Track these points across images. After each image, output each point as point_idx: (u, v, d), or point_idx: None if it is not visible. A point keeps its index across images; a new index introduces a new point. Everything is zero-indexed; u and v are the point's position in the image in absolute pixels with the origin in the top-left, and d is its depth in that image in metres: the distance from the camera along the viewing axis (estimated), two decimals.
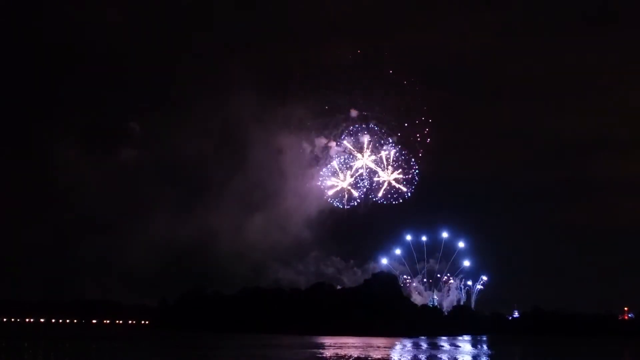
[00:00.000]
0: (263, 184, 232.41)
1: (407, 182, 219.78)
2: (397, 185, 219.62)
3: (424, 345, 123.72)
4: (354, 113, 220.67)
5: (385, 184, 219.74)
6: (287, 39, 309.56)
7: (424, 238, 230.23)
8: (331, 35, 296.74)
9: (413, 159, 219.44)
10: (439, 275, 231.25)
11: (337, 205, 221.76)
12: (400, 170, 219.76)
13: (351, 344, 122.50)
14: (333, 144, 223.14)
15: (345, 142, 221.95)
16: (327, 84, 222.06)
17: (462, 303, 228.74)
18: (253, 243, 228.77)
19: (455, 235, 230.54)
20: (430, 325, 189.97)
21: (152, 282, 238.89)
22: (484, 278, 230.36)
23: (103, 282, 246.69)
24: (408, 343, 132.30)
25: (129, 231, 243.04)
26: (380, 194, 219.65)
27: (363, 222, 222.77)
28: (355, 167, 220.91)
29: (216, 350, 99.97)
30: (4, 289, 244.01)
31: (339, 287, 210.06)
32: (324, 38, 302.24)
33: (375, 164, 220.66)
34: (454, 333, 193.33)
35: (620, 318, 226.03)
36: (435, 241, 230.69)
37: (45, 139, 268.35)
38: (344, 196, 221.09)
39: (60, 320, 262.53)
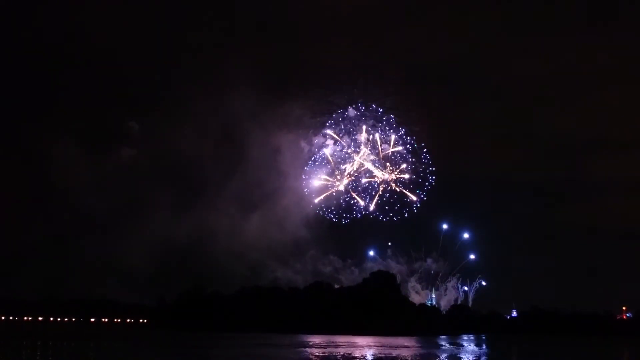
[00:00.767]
0: (261, 183, 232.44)
1: (416, 186, 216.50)
2: (409, 195, 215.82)
3: (443, 344, 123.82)
4: (352, 112, 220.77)
5: (387, 188, 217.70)
6: (285, 38, 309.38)
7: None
8: (330, 35, 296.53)
9: (425, 159, 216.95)
10: (432, 272, 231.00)
11: (330, 218, 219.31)
12: (408, 172, 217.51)
13: (351, 343, 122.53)
14: (331, 142, 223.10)
15: (344, 141, 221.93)
16: (325, 82, 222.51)
17: (459, 302, 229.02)
18: (251, 242, 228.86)
19: (454, 235, 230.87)
20: (428, 324, 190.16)
21: (150, 281, 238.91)
22: (483, 283, 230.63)
23: (101, 281, 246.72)
24: (406, 342, 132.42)
25: (127, 230, 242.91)
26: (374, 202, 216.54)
27: (361, 221, 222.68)
28: (352, 168, 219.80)
29: (215, 350, 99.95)
30: (2, 288, 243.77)
31: (337, 286, 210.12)
32: (323, 37, 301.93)
33: (378, 165, 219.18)
34: (452, 332, 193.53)
35: (618, 317, 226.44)
36: (434, 241, 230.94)
37: (43, 138, 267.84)
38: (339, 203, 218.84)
39: (59, 319, 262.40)
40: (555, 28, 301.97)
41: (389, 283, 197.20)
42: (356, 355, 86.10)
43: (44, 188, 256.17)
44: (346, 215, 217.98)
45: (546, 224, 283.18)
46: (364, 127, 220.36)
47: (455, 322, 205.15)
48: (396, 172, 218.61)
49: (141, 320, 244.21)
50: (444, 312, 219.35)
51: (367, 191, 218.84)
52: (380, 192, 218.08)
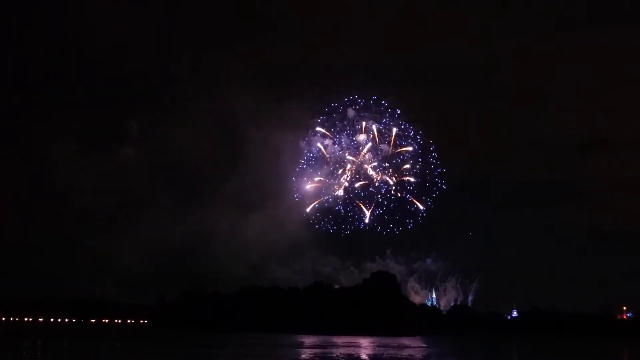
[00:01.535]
0: (260, 183, 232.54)
1: (422, 192, 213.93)
2: (416, 203, 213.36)
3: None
4: (351, 113, 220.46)
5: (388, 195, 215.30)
6: (285, 39, 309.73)
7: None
8: (330, 35, 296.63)
9: (433, 158, 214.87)
10: (432, 272, 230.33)
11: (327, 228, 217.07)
12: (412, 175, 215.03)
13: (354, 344, 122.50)
14: (330, 142, 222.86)
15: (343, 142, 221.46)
16: (325, 83, 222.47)
17: (458, 302, 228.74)
18: (250, 242, 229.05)
19: (454, 236, 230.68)
20: (429, 324, 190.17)
21: (150, 281, 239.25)
22: (478, 285, 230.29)
23: (102, 281, 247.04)
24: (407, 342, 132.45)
25: (127, 230, 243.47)
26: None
27: (361, 222, 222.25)
28: (350, 171, 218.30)
29: (215, 350, 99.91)
30: (3, 288, 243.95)
31: (337, 286, 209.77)
32: (323, 37, 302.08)
33: (379, 169, 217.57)
34: (452, 332, 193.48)
35: (618, 318, 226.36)
36: (433, 241, 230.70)
37: (43, 138, 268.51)
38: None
39: (59, 320, 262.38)
40: (555, 28, 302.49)
41: (389, 283, 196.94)
42: (362, 357, 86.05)
43: (44, 188, 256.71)
44: (345, 227, 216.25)
45: (546, 224, 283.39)
46: (364, 123, 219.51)
47: (456, 322, 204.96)
48: (397, 176, 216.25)
49: (141, 321, 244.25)
50: (444, 312, 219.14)
51: (366, 199, 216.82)
52: (380, 199, 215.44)
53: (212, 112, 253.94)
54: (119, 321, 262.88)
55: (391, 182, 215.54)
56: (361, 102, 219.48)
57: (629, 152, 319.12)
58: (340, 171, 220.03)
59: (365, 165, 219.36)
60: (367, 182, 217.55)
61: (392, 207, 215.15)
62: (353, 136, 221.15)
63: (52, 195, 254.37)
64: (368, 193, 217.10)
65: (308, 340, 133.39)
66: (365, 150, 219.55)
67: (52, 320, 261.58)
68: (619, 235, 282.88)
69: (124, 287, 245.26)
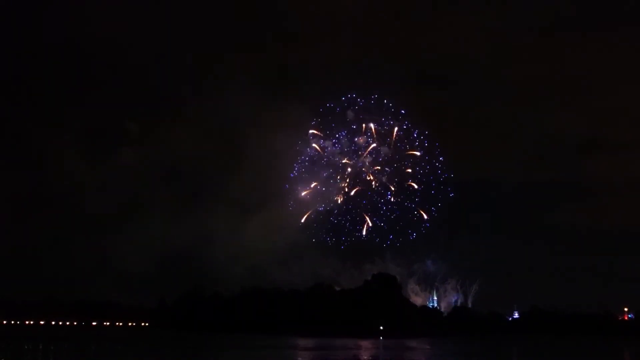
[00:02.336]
0: (260, 185, 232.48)
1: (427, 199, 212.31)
2: (419, 211, 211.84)
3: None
4: (350, 114, 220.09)
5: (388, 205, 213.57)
6: (285, 40, 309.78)
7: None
8: (330, 36, 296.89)
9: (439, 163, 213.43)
10: (431, 273, 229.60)
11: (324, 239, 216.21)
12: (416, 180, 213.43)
13: (352, 345, 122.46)
14: (329, 144, 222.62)
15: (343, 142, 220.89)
16: (325, 84, 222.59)
17: (459, 304, 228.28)
18: (250, 244, 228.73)
19: (454, 237, 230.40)
20: (430, 326, 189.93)
21: (150, 283, 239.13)
22: (477, 287, 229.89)
23: (102, 283, 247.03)
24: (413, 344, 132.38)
25: (127, 231, 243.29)
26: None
27: (360, 222, 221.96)
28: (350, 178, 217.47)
29: (217, 351, 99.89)
30: (2, 290, 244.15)
31: (337, 288, 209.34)
32: (323, 38, 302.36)
33: (377, 174, 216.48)
34: (454, 334, 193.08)
35: (619, 318, 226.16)
36: (433, 242, 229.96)
37: (43, 139, 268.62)
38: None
39: (60, 323, 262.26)
40: (555, 29, 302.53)
41: (390, 285, 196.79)
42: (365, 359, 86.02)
43: (44, 189, 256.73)
44: (344, 240, 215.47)
45: (546, 224, 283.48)
46: (364, 125, 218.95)
47: (457, 323, 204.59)
48: (399, 182, 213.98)
49: (142, 323, 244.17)
50: (445, 314, 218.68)
51: (366, 206, 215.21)
52: (380, 206, 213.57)
53: (213, 113, 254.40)
54: (120, 323, 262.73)
55: (393, 189, 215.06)
56: (361, 103, 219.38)
57: (630, 153, 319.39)
58: (339, 177, 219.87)
59: (364, 169, 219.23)
60: (366, 187, 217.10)
61: (394, 217, 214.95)
62: (353, 138, 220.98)
63: (53, 197, 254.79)
64: (368, 201, 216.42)
65: (309, 342, 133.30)
66: (365, 153, 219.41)
67: (52, 323, 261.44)
68: (620, 236, 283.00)
69: (125, 288, 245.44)
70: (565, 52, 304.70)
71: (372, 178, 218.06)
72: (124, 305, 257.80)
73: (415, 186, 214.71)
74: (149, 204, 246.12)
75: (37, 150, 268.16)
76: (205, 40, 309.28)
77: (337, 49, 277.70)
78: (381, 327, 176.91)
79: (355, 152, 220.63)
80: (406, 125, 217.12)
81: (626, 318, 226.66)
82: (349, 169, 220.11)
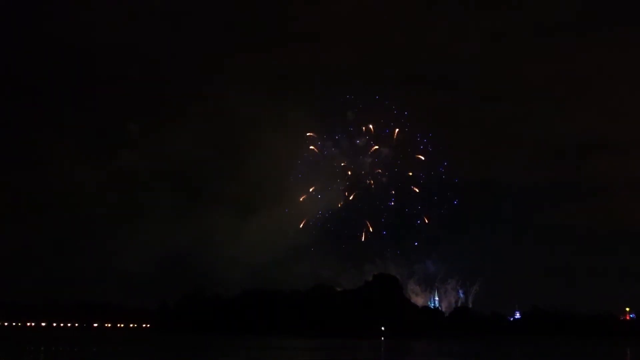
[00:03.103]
0: (260, 186, 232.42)
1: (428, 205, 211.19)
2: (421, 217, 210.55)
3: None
4: (350, 116, 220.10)
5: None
6: (286, 41, 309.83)
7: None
8: (329, 37, 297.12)
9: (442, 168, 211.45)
10: (431, 273, 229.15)
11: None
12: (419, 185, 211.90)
13: (352, 346, 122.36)
14: (330, 145, 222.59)
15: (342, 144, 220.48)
16: (326, 85, 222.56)
17: (459, 304, 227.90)
18: (250, 246, 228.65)
19: (454, 236, 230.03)
20: (431, 326, 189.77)
21: (151, 284, 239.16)
22: (477, 288, 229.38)
23: (103, 285, 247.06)
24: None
25: (127, 233, 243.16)
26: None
27: (360, 223, 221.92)
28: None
29: (218, 353, 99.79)
30: (4, 292, 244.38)
31: (338, 289, 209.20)
32: (322, 40, 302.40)
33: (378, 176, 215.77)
34: (455, 334, 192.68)
35: (621, 319, 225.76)
36: (433, 242, 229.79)
37: (43, 141, 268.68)
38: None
39: (62, 324, 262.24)
40: (556, 30, 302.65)
41: (392, 285, 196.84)
42: None
43: (45, 191, 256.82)
44: (345, 242, 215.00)
45: (547, 225, 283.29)
46: (363, 127, 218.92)
47: (458, 324, 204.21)
48: (401, 186, 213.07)
49: (144, 325, 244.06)
50: (447, 314, 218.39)
51: (367, 211, 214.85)
52: (381, 212, 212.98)
53: (213, 115, 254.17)
54: (122, 325, 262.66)
55: (393, 192, 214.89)
56: (361, 105, 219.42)
57: (630, 153, 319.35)
58: (339, 179, 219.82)
59: (364, 171, 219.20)
60: (367, 190, 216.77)
61: (394, 223, 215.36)
62: (353, 140, 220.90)
63: (54, 198, 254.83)
64: (368, 204, 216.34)
65: (311, 343, 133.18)
66: (365, 155, 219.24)
67: (54, 324, 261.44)
68: (621, 236, 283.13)
69: (126, 290, 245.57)
70: (566, 54, 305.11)
71: (372, 182, 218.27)
72: (125, 307, 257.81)
73: (417, 190, 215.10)
74: (150, 205, 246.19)
75: (38, 152, 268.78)
76: (206, 42, 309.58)
77: (337, 51, 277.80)
78: (382, 328, 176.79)
79: (355, 154, 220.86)
80: (407, 127, 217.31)
81: (628, 318, 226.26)
82: (349, 172, 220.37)
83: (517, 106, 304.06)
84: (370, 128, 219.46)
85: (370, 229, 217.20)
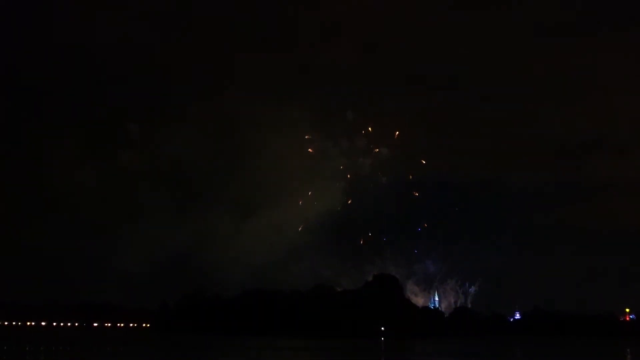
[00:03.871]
0: (260, 187, 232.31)
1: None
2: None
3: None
4: (350, 116, 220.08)
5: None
6: (285, 41, 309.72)
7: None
8: (329, 37, 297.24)
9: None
10: (431, 273, 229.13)
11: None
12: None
13: (352, 346, 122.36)
14: (329, 143, 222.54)
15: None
16: (325, 85, 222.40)
17: (458, 305, 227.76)
18: (250, 246, 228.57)
19: (454, 236, 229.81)
20: (432, 327, 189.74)
21: (151, 285, 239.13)
22: (475, 289, 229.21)
23: (103, 285, 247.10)
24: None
25: (127, 233, 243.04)
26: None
27: (360, 223, 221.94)
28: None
29: (218, 353, 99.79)
30: (4, 292, 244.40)
31: (339, 289, 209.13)
32: (322, 40, 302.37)
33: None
34: (455, 335, 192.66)
35: (621, 319, 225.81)
36: (433, 243, 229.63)
37: (44, 141, 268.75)
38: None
39: (62, 324, 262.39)
40: (556, 31, 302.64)
41: (392, 285, 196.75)
42: None
43: (45, 191, 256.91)
44: (344, 243, 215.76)
45: (546, 226, 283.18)
46: (363, 130, 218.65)
47: (459, 324, 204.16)
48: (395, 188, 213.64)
49: (144, 325, 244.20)
50: (447, 315, 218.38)
51: (366, 216, 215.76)
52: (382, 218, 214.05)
53: (212, 115, 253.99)
54: (122, 325, 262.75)
55: (392, 193, 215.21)
56: (361, 105, 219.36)
57: (630, 153, 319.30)
58: (338, 180, 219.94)
59: (364, 172, 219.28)
60: (366, 190, 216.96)
61: (395, 229, 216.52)
62: (352, 140, 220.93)
63: (54, 199, 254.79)
64: (367, 205, 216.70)
65: (311, 343, 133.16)
66: (364, 156, 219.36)
67: (54, 324, 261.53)
68: (621, 236, 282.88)
69: (126, 290, 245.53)
70: (566, 55, 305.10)
71: (371, 183, 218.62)
72: (126, 307, 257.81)
73: (416, 194, 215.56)
74: (150, 205, 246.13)
75: (38, 153, 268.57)
76: (206, 43, 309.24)
77: (336, 52, 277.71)
78: (382, 328, 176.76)
79: (355, 155, 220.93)
80: (406, 127, 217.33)
81: (628, 319, 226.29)
82: (348, 173, 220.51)
83: (518, 106, 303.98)
84: (369, 129, 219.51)
85: (370, 234, 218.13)
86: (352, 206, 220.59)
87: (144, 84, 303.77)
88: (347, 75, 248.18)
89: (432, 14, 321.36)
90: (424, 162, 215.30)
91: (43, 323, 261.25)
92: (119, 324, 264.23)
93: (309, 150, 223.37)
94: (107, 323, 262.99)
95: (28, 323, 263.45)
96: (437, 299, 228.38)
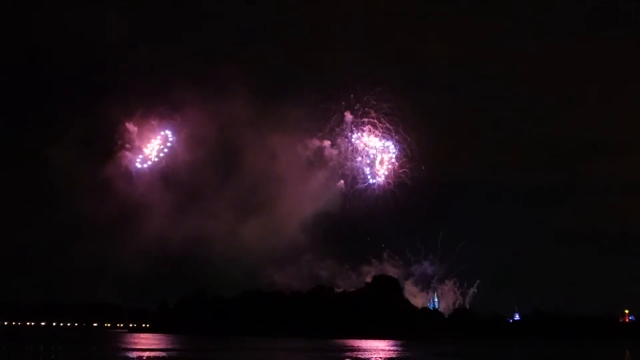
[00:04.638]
0: (258, 188, 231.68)
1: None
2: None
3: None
4: (348, 117, 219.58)
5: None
6: (282, 43, 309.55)
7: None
8: (327, 38, 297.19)
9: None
10: (429, 274, 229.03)
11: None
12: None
13: (354, 347, 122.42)
14: (327, 144, 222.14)
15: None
16: (323, 87, 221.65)
17: (457, 305, 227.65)
18: (248, 247, 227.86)
19: (453, 237, 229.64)
20: (431, 328, 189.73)
21: (151, 285, 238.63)
22: (475, 290, 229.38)
23: (103, 285, 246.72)
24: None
25: (126, 234, 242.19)
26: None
27: (358, 224, 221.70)
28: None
29: (219, 353, 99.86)
30: (4, 292, 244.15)
31: (338, 290, 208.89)
32: (320, 41, 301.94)
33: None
34: (455, 335, 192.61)
35: (621, 320, 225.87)
36: (432, 244, 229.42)
37: (43, 143, 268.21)
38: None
39: (61, 324, 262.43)
40: (555, 32, 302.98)
41: (391, 287, 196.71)
42: None
43: (44, 192, 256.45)
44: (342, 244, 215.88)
45: (546, 227, 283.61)
46: (362, 129, 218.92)
47: (458, 325, 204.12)
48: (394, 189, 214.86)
49: (144, 325, 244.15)
50: (446, 316, 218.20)
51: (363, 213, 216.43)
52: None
53: (210, 116, 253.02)
54: (121, 325, 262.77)
55: (391, 194, 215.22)
56: (360, 106, 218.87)
57: (630, 155, 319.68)
58: (336, 180, 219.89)
59: (363, 173, 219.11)
60: (364, 192, 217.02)
61: (394, 232, 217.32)
62: (350, 141, 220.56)
63: (53, 199, 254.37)
64: (366, 206, 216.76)
65: (311, 344, 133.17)
66: (364, 157, 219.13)
67: (54, 324, 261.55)
68: (621, 238, 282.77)
69: (126, 291, 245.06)
70: (566, 56, 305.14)
71: (370, 183, 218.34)
72: (125, 307, 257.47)
73: (415, 194, 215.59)
74: (150, 206, 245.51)
75: (37, 153, 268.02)
76: (205, 43, 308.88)
77: (335, 52, 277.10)
78: (382, 329, 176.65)
79: (354, 155, 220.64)
80: (406, 128, 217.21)
81: (627, 320, 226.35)
82: (348, 174, 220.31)
83: (517, 107, 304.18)
84: (369, 129, 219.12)
85: (367, 235, 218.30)
86: (350, 207, 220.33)
87: (141, 85, 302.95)
88: (347, 75, 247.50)
89: (432, 13, 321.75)
90: (423, 162, 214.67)
91: (43, 323, 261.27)
92: (118, 324, 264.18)
93: (308, 150, 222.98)
94: (107, 323, 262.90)
95: (28, 323, 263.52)
96: (436, 300, 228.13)
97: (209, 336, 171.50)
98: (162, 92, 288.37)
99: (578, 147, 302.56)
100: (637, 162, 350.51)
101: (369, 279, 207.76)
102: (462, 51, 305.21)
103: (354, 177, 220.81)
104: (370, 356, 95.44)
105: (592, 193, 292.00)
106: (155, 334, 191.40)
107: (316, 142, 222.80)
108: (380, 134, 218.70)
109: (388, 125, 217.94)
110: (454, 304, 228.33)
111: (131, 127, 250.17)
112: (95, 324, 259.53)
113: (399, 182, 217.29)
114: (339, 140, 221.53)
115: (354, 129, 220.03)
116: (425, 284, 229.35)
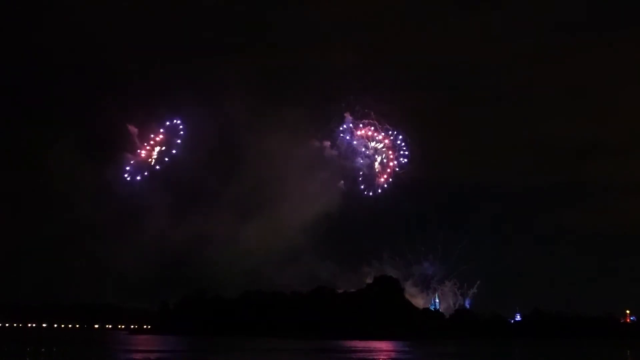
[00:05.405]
0: (258, 189, 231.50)
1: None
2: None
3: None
4: (348, 118, 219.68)
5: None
6: (281, 44, 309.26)
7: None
8: (328, 38, 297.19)
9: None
10: (429, 275, 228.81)
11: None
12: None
13: (354, 348, 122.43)
14: (327, 145, 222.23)
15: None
16: (322, 88, 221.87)
17: (456, 306, 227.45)
18: (248, 248, 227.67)
19: (453, 238, 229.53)
20: (432, 328, 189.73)
21: (151, 286, 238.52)
22: (475, 291, 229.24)
23: (104, 286, 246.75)
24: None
25: (126, 235, 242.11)
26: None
27: (357, 225, 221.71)
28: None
29: (219, 354, 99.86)
30: (5, 293, 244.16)
31: (339, 291, 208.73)
32: (321, 42, 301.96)
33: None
34: (456, 336, 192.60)
35: (622, 321, 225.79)
36: (432, 244, 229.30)
37: (44, 144, 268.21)
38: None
39: (62, 325, 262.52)
40: (554, 32, 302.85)
41: (392, 288, 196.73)
42: None
43: (45, 194, 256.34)
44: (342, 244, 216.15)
45: (547, 227, 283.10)
46: (361, 129, 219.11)
47: (459, 326, 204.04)
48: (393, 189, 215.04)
49: (145, 326, 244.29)
50: (447, 316, 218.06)
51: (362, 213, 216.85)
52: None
53: (210, 118, 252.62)
54: (122, 326, 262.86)
55: (391, 193, 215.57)
56: (359, 106, 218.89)
57: (630, 155, 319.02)
58: (337, 182, 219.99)
59: (362, 173, 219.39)
60: (364, 192, 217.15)
61: (393, 235, 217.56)
62: (350, 142, 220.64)
63: (53, 201, 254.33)
64: (365, 206, 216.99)
65: (312, 344, 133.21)
66: (363, 157, 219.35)
67: (55, 325, 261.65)
68: (621, 239, 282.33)
69: (126, 292, 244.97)
70: (566, 56, 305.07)
71: (369, 184, 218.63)
72: (126, 308, 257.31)
73: (415, 194, 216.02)
74: (150, 206, 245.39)
75: (38, 154, 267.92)
76: (205, 43, 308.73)
77: (334, 53, 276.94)
78: (383, 330, 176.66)
79: (353, 156, 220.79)
80: (406, 128, 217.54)
81: (628, 321, 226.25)
82: (347, 174, 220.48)
83: (517, 107, 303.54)
84: (369, 129, 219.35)
85: (367, 236, 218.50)
86: (350, 208, 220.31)
87: (143, 87, 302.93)
88: (347, 75, 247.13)
89: (432, 14, 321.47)
90: (423, 163, 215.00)
91: (44, 324, 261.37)
92: (119, 326, 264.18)
93: (307, 150, 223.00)
94: (108, 324, 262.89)
95: (29, 324, 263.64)
96: (437, 300, 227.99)
97: (209, 337, 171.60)
98: (163, 93, 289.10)
99: (578, 147, 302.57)
100: (637, 162, 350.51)
101: (368, 280, 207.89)
102: (462, 51, 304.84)
103: (354, 178, 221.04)
104: (371, 357, 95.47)
105: (592, 193, 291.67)
106: (155, 335, 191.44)
107: (316, 143, 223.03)
108: (380, 135, 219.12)
109: (388, 126, 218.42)
110: (454, 304, 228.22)
111: (132, 128, 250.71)
112: (96, 326, 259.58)
113: (398, 183, 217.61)
114: (338, 141, 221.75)
115: (354, 129, 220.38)
116: (425, 284, 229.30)
